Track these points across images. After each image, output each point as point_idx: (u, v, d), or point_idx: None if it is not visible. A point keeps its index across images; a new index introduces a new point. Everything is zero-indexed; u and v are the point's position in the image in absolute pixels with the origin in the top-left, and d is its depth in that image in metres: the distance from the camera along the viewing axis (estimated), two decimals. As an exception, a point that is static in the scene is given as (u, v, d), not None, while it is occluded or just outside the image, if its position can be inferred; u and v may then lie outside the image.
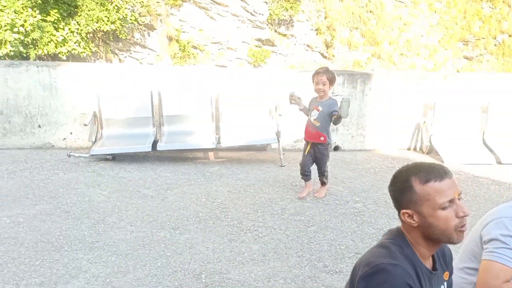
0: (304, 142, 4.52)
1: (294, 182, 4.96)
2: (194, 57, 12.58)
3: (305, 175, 4.46)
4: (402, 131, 6.73)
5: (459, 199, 1.43)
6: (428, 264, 1.53)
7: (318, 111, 4.21)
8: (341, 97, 4.19)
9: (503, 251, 1.98)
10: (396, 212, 1.51)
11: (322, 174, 4.47)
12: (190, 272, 2.99)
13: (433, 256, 1.56)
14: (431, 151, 6.45)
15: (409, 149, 6.79)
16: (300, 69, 12.08)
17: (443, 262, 1.62)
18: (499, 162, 6.06)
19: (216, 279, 2.92)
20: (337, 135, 6.55)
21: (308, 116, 4.35)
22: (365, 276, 1.38)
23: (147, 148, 5.44)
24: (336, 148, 6.59)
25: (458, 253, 2.23)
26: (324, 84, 4.13)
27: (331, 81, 4.17)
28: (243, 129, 5.86)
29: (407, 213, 1.44)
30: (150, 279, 2.88)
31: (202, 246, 3.38)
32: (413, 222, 1.44)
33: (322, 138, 4.26)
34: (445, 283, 1.63)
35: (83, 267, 2.98)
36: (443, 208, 1.40)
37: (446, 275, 1.64)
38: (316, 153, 4.35)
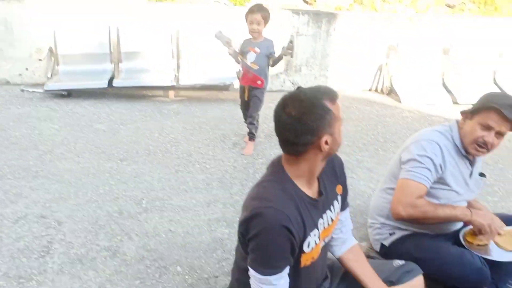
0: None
1: (251, 119, 5.00)
2: (171, -1, 12.09)
3: None
4: (365, 73, 6.75)
5: None
6: (314, 189, 1.55)
7: (255, 53, 3.81)
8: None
9: (418, 170, 2.07)
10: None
11: (252, 122, 4.07)
12: (132, 199, 3.04)
13: (318, 181, 1.58)
14: (391, 92, 6.52)
15: (370, 90, 6.84)
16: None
17: (333, 176, 1.65)
18: (455, 103, 6.19)
19: (157, 204, 2.98)
20: (300, 75, 6.54)
21: (239, 60, 3.95)
22: (244, 220, 1.41)
23: (103, 84, 5.34)
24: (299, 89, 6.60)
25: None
26: (259, 24, 3.73)
27: (266, 19, 3.76)
28: (204, 67, 5.79)
29: (324, 139, 1.40)
30: (90, 205, 2.92)
31: (148, 176, 3.42)
32: (327, 146, 1.42)
33: (259, 82, 3.92)
34: (339, 197, 1.67)
35: (24, 194, 3.01)
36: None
37: (339, 188, 1.67)
38: (251, 98, 3.99)
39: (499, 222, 2.22)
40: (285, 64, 6.37)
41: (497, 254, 2.09)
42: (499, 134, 2.02)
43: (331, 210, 1.61)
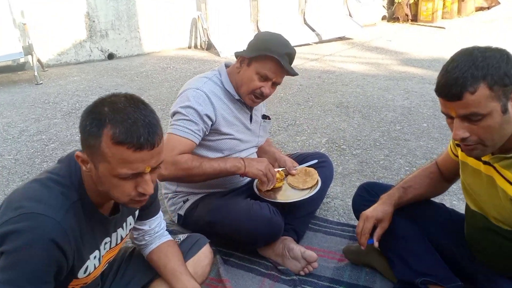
0: None
1: (48, 99, 4.29)
2: None
3: None
4: (180, 29, 6.37)
5: (151, 172, 1.09)
6: (110, 204, 1.23)
7: None
8: None
9: (182, 122, 1.80)
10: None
11: None
12: None
13: None
14: (210, 46, 6.27)
15: (189, 47, 6.52)
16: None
17: None
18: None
19: None
20: (108, 41, 5.87)
21: None
22: (5, 223, 1.03)
23: None
24: (111, 56, 5.94)
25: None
26: None
27: None
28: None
29: (81, 157, 1.08)
30: None
31: None
32: (85, 168, 1.10)
33: None
34: (136, 211, 1.39)
35: None
36: (123, 178, 1.07)
37: None
38: None
39: (290, 163, 2.12)
40: (87, 30, 5.63)
41: (287, 196, 1.97)
42: (275, 84, 1.87)
43: (123, 228, 1.34)
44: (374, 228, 1.64)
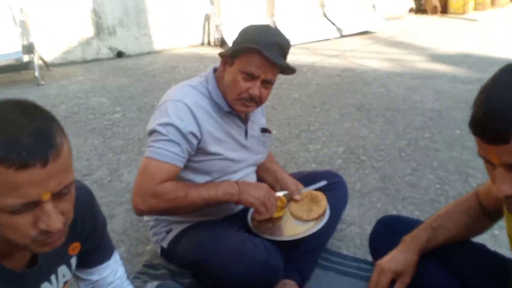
0: None
1: (46, 102, 4.01)
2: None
3: None
4: (191, 25, 6.04)
5: (55, 199, 0.77)
6: (23, 255, 0.91)
7: None
8: None
9: (161, 143, 1.46)
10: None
11: None
12: None
13: None
14: (223, 43, 5.92)
15: (202, 44, 6.19)
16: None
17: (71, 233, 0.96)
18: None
19: None
20: (117, 38, 5.58)
21: None
22: None
23: None
24: (120, 54, 5.66)
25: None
26: None
27: None
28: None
29: None
30: None
31: None
32: None
33: None
34: (73, 259, 1.05)
35: None
36: (13, 212, 0.75)
37: (74, 248, 1.03)
38: None
39: (294, 185, 1.78)
40: (94, 27, 5.37)
41: (287, 229, 1.63)
42: (267, 83, 1.51)
43: (51, 282, 1.00)
44: (393, 281, 1.29)
